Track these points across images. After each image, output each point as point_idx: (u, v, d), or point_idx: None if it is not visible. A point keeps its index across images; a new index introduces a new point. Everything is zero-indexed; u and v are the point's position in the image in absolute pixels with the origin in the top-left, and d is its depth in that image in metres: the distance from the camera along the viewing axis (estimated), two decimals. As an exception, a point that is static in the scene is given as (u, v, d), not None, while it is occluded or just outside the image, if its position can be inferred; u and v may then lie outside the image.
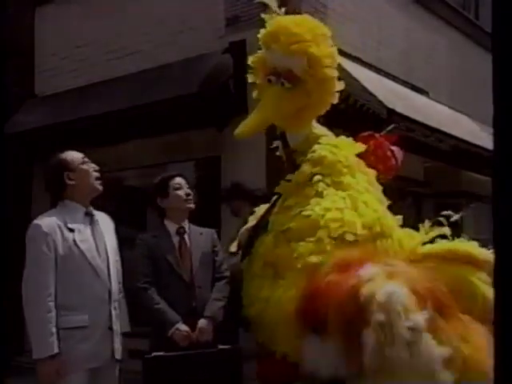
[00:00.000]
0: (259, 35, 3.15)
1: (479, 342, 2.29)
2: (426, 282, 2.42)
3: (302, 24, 3.03)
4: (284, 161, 3.17)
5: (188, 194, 3.31)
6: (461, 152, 7.77)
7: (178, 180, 3.36)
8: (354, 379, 2.32)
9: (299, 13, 6.01)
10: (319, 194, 2.84)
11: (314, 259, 2.60)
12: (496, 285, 1.20)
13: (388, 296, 2.28)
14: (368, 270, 2.41)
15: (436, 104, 7.82)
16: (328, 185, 2.87)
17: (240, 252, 3.18)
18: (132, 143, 6.93)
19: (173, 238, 3.28)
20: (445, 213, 2.98)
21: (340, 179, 2.93)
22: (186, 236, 3.28)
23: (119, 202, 7.86)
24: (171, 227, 3.31)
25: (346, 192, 2.88)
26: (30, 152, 7.64)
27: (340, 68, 6.08)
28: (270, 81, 3.03)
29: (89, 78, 7.28)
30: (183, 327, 3.01)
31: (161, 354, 2.95)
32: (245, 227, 3.19)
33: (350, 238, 2.68)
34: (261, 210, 3.26)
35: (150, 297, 3.13)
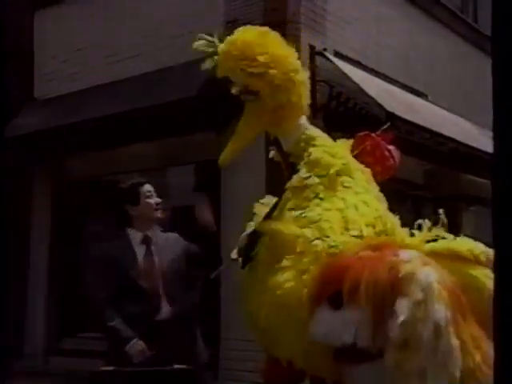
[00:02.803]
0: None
1: (488, 352, 2.29)
2: (449, 280, 2.45)
3: (240, 39, 3.03)
4: (282, 165, 3.17)
5: (158, 203, 3.24)
6: (460, 155, 7.78)
7: (148, 187, 3.29)
8: (375, 351, 2.30)
9: (298, 16, 6.06)
10: (318, 196, 2.84)
11: (318, 243, 2.56)
12: (496, 286, 1.20)
13: (428, 277, 2.30)
14: (407, 253, 2.42)
15: (435, 107, 7.83)
16: (326, 186, 2.87)
17: (240, 259, 3.15)
18: (132, 146, 6.93)
19: (136, 248, 3.16)
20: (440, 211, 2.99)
21: (338, 180, 2.93)
22: (152, 246, 3.17)
23: (120, 205, 7.87)
24: (135, 236, 3.20)
25: (345, 192, 2.88)
26: (30, 155, 7.65)
27: (339, 71, 6.15)
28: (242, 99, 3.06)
29: (88, 81, 7.28)
30: (139, 343, 2.94)
31: (109, 368, 2.89)
32: (244, 233, 3.17)
33: (354, 232, 2.67)
34: (260, 214, 3.23)
35: (105, 313, 3.07)
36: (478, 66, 9.44)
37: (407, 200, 8.26)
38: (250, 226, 3.11)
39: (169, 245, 3.19)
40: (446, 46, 8.66)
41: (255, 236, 2.92)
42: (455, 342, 2.30)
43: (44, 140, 7.26)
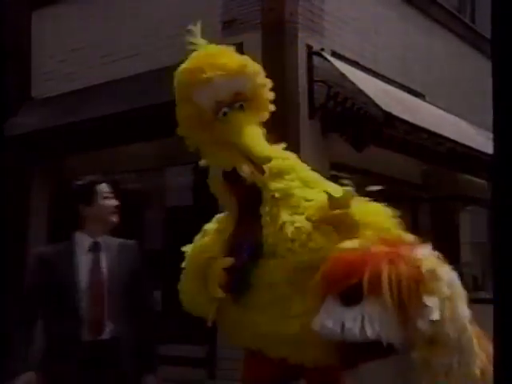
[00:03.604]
0: (179, 85, 2.88)
1: (489, 355, 2.31)
2: None
3: (218, 50, 2.94)
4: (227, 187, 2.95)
5: (116, 206, 2.96)
6: (458, 155, 7.78)
7: (106, 187, 2.99)
8: (402, 348, 2.27)
9: (295, 16, 6.06)
10: (299, 193, 2.84)
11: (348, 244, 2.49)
12: (496, 286, 1.20)
13: (451, 275, 2.31)
14: (422, 250, 2.40)
15: (432, 107, 7.84)
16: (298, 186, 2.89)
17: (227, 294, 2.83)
18: (130, 146, 6.93)
19: (81, 256, 2.81)
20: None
21: (304, 174, 2.94)
22: (101, 254, 2.84)
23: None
24: (83, 242, 2.87)
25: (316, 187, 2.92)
26: (28, 155, 7.64)
27: (337, 71, 6.16)
28: (225, 114, 2.80)
29: (86, 80, 7.28)
30: (25, 377, 2.56)
31: None
32: (217, 268, 2.79)
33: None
34: (210, 231, 2.99)
35: (14, 336, 2.66)
36: (476, 66, 9.45)
37: (404, 200, 8.26)
38: (206, 251, 2.90)
39: (123, 254, 2.89)
40: (443, 46, 8.67)
41: (242, 263, 2.75)
42: (475, 340, 2.32)
43: (42, 140, 7.25)
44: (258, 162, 2.76)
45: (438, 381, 2.23)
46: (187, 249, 3.02)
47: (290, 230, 2.69)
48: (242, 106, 2.82)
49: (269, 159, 2.75)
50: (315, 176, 2.99)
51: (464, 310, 2.31)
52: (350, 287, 2.28)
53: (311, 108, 6.19)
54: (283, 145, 3.03)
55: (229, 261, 2.77)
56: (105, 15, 7.41)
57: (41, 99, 7.84)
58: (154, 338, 2.92)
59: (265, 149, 2.78)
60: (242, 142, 2.76)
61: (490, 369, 2.28)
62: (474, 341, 2.33)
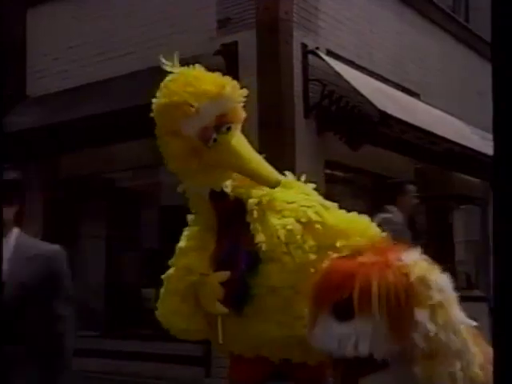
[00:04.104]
0: (165, 121, 2.80)
1: (485, 352, 2.31)
2: None
3: (193, 76, 2.81)
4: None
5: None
6: (451, 154, 7.82)
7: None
8: (398, 361, 2.25)
9: (290, 15, 6.08)
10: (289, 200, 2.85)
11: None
12: (496, 286, 1.20)
13: (440, 279, 2.29)
14: (410, 256, 2.38)
15: (427, 106, 7.86)
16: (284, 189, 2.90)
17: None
18: (125, 144, 6.93)
19: None
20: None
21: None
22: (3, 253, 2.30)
23: (112, 203, 7.86)
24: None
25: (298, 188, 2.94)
26: (23, 153, 7.62)
27: (332, 70, 6.17)
28: (215, 140, 2.75)
29: (80, 79, 7.27)
30: None
31: None
32: (213, 283, 2.72)
33: None
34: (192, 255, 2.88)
35: None
36: (470, 65, 9.50)
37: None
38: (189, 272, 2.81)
39: (32, 256, 2.44)
40: (438, 46, 8.70)
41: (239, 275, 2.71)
42: (471, 339, 2.30)
43: (36, 137, 7.24)
44: (268, 186, 2.78)
45: None
46: (169, 272, 2.92)
47: (282, 233, 2.70)
48: (229, 128, 2.79)
49: (279, 183, 2.77)
50: (285, 177, 2.99)
51: (457, 314, 2.30)
52: (342, 301, 2.27)
53: (306, 107, 6.21)
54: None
55: (225, 274, 2.73)
56: (99, 13, 7.40)
57: (35, 97, 7.83)
58: (64, 348, 2.56)
59: (271, 172, 2.79)
60: (247, 168, 2.76)
61: (487, 366, 2.30)
62: (470, 341, 2.33)
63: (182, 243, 2.99)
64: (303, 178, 3.03)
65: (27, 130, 7.24)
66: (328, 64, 6.18)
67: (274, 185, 2.77)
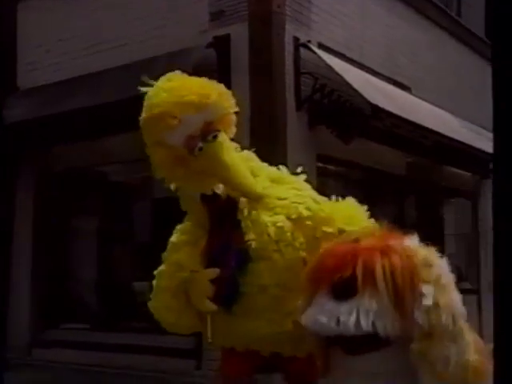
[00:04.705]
0: (149, 133, 2.82)
1: (482, 362, 2.33)
2: None
3: (176, 84, 2.80)
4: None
5: None
6: (443, 148, 7.85)
7: None
8: (399, 340, 2.27)
9: (283, 8, 6.07)
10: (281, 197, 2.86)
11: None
12: (496, 285, 1.21)
13: (444, 264, 2.34)
14: (410, 241, 2.41)
15: (418, 100, 7.89)
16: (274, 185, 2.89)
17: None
18: (117, 137, 6.90)
19: None
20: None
21: (269, 172, 2.96)
22: None
23: (104, 196, 7.85)
24: None
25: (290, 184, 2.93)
26: (14, 146, 7.58)
27: (324, 63, 6.18)
28: (201, 149, 2.73)
29: (72, 71, 7.23)
30: None
31: None
32: (203, 280, 2.73)
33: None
34: (178, 243, 2.93)
35: None
36: (462, 59, 9.53)
37: (389, 192, 8.33)
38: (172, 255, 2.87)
39: None
40: (429, 40, 8.72)
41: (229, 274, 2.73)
42: (466, 328, 2.32)
43: (27, 130, 7.21)
44: (250, 198, 2.79)
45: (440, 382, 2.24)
46: (161, 267, 2.93)
47: (272, 230, 2.70)
48: (215, 137, 2.78)
49: (261, 196, 2.78)
50: (277, 171, 3.01)
51: (457, 298, 2.33)
52: (342, 281, 2.27)
53: (298, 100, 6.21)
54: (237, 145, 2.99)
55: (215, 272, 2.74)
56: (91, 5, 7.35)
57: (26, 89, 7.78)
58: None
59: (253, 184, 2.80)
60: (230, 179, 2.77)
61: (477, 358, 2.32)
62: (466, 328, 2.35)
63: (174, 237, 3.00)
64: (299, 169, 3.04)
65: (18, 122, 7.21)
66: (320, 57, 6.18)
67: (255, 197, 2.78)
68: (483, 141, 8.17)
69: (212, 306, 2.74)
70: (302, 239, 2.70)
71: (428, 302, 2.21)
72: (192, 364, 6.19)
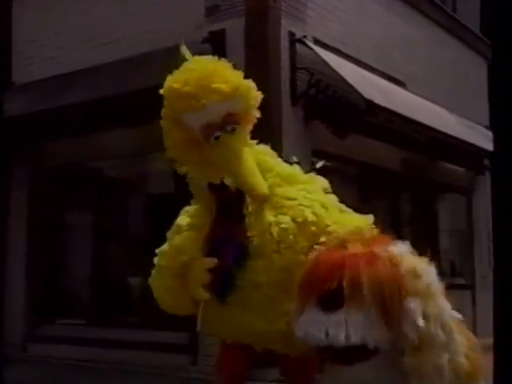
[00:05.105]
0: (169, 106, 2.74)
1: (475, 360, 2.32)
2: None
3: (210, 70, 2.75)
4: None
5: None
6: (437, 143, 7.87)
7: None
8: (389, 348, 2.28)
9: (279, 3, 6.06)
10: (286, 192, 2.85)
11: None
12: (495, 284, 1.22)
13: (430, 272, 2.31)
14: (398, 247, 2.39)
15: (413, 96, 7.90)
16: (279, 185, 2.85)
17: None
18: (113, 133, 6.89)
19: None
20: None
21: (282, 169, 2.92)
22: None
23: (99, 191, 7.83)
24: None
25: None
26: (10, 141, 7.56)
27: (319, 59, 6.17)
28: (217, 137, 2.73)
29: (68, 65, 7.20)
30: None
31: None
32: (200, 269, 2.74)
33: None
34: (184, 226, 2.92)
35: None
36: (457, 55, 9.54)
37: (384, 188, 8.34)
38: (176, 238, 2.88)
39: None
40: (425, 36, 8.72)
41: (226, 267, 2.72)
42: (458, 335, 2.31)
43: (22, 125, 7.18)
44: (254, 198, 2.76)
45: None
46: (164, 247, 2.95)
47: (275, 231, 2.69)
48: (234, 129, 2.77)
49: (265, 197, 2.75)
50: (290, 169, 2.98)
51: (445, 305, 2.32)
52: (329, 292, 2.27)
53: (293, 95, 6.21)
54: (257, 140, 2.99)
55: (212, 262, 2.74)
56: (86, 0, 7.33)
57: (21, 84, 7.75)
58: None
59: (261, 184, 2.76)
60: (239, 174, 2.75)
61: (471, 354, 2.33)
62: (455, 330, 2.35)
63: (180, 219, 2.99)
64: (294, 159, 3.04)
65: (13, 117, 7.19)
66: (315, 53, 6.18)
67: (260, 198, 2.75)
68: (478, 137, 8.19)
69: (205, 295, 2.75)
70: (303, 244, 2.66)
71: (416, 316, 2.21)
72: (187, 359, 6.19)
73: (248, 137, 2.93)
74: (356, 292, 2.22)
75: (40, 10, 7.73)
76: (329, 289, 2.27)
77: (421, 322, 2.20)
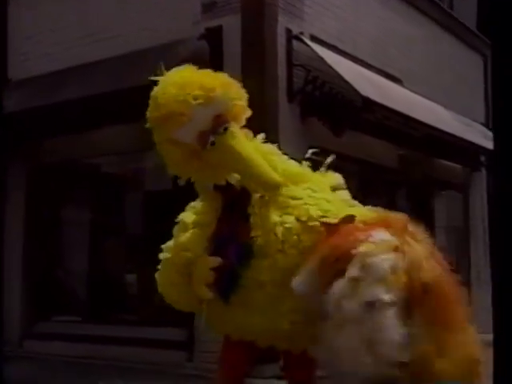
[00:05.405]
0: (158, 130, 2.77)
1: (458, 361, 2.30)
2: (439, 275, 2.49)
3: (184, 80, 2.75)
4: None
5: None
6: (434, 140, 7.88)
7: None
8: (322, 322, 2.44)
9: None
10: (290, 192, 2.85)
11: None
12: (494, 283, 1.22)
13: (382, 262, 2.34)
14: (380, 235, 2.44)
15: (410, 92, 7.91)
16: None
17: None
18: (109, 129, 6.88)
19: None
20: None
21: (287, 168, 2.91)
22: None
23: (96, 188, 7.83)
24: None
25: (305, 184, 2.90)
26: (6, 138, 7.54)
27: (316, 55, 6.17)
28: (213, 143, 2.74)
29: (64, 62, 7.19)
30: None
31: None
32: (204, 267, 2.77)
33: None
34: (189, 223, 2.93)
35: None
36: (454, 52, 9.55)
37: (381, 184, 8.35)
38: (181, 235, 2.89)
39: None
40: (421, 33, 8.73)
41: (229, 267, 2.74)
42: (392, 323, 2.29)
43: (19, 122, 7.16)
44: (267, 190, 2.76)
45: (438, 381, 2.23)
46: (170, 243, 2.96)
47: (280, 231, 2.69)
48: (226, 129, 2.77)
49: (278, 185, 2.75)
50: (297, 167, 2.97)
51: (372, 292, 2.32)
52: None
53: (290, 92, 6.21)
54: (263, 136, 2.99)
55: (216, 261, 2.75)
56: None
57: (18, 80, 7.73)
58: None
59: (270, 173, 2.75)
60: (246, 171, 2.76)
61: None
62: (395, 323, 2.29)
63: (186, 216, 2.99)
64: (308, 153, 3.05)
65: (9, 113, 7.16)
66: (312, 49, 6.18)
67: (273, 188, 2.75)
68: (474, 133, 8.20)
69: (208, 294, 2.77)
70: (307, 243, 2.67)
71: (334, 290, 2.36)
72: (184, 356, 6.20)
73: (245, 130, 2.92)
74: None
75: (36, 7, 7.71)
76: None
77: (335, 294, 2.36)
